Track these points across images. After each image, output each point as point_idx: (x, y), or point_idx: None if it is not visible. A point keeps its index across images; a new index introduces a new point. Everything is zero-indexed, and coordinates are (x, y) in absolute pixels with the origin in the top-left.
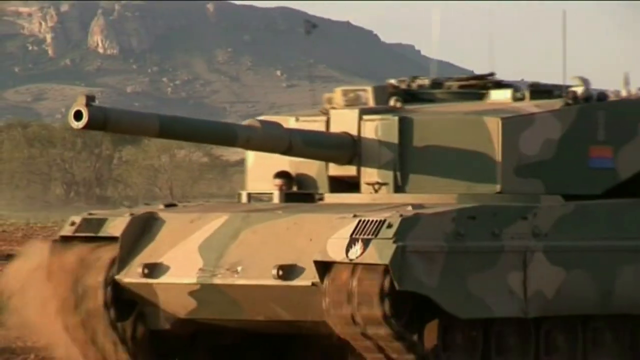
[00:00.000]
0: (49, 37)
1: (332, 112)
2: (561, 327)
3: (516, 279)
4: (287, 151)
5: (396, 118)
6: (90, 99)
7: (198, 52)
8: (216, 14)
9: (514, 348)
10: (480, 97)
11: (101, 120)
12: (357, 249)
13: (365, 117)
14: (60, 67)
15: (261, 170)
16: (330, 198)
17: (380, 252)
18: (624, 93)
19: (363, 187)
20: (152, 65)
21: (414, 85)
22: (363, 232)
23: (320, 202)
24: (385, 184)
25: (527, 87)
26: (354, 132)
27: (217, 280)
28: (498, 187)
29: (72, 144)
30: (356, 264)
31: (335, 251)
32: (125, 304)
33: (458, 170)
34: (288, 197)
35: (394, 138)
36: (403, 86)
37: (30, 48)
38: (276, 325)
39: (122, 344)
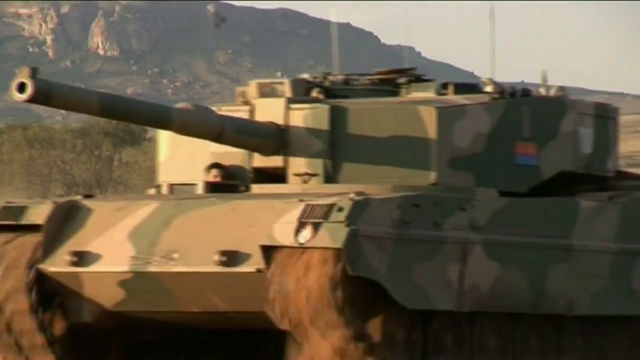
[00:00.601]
0: (49, 38)
1: (257, 102)
2: (493, 328)
3: (454, 271)
4: (218, 137)
5: (327, 106)
6: (34, 71)
7: (198, 53)
8: (216, 15)
9: (450, 349)
10: (395, 93)
11: (45, 93)
12: (306, 232)
13: (293, 106)
14: (61, 69)
15: (177, 161)
16: (258, 189)
17: (332, 236)
18: (542, 91)
19: (290, 178)
20: (152, 66)
21: (326, 82)
22: (311, 216)
23: (248, 193)
24: (315, 174)
25: (452, 83)
26: (280, 121)
27: (151, 268)
28: (432, 179)
29: (73, 145)
30: (306, 248)
31: (283, 235)
32: (48, 294)
33: (392, 161)
34: (213, 188)
35: (325, 127)
36: (316, 81)
37: (30, 50)
38: (209, 318)
39: (42, 336)
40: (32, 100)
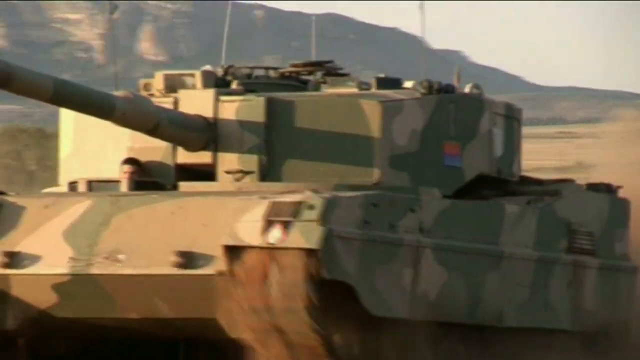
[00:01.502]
0: (97, 43)
1: (182, 93)
2: (431, 337)
3: (408, 276)
4: (154, 130)
5: (262, 99)
6: None
7: (247, 58)
8: (265, 20)
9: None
10: (303, 88)
11: (6, 76)
12: (276, 232)
13: (223, 97)
14: (109, 74)
15: (83, 158)
16: (186, 187)
17: (306, 236)
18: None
19: (221, 175)
20: None
21: (229, 73)
22: (279, 214)
23: (176, 191)
24: (250, 172)
25: (375, 78)
26: (208, 114)
27: (94, 270)
28: (375, 178)
29: None
30: (277, 249)
31: (249, 235)
32: None
33: (332, 158)
34: (137, 185)
35: (260, 120)
36: (218, 74)
37: (78, 55)
38: (148, 325)
39: None
40: None
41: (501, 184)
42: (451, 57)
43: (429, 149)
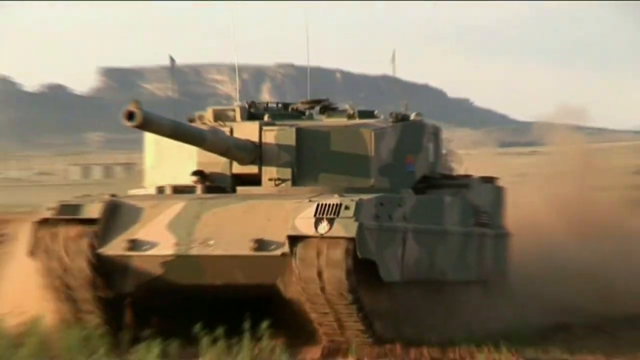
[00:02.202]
0: (235, 95)
1: (236, 124)
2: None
3: (399, 252)
4: (225, 152)
5: (294, 128)
6: (139, 103)
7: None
8: (342, 79)
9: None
10: (300, 117)
11: (147, 121)
12: (324, 225)
13: (265, 127)
14: None
15: (163, 168)
16: (242, 190)
17: (346, 228)
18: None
19: (265, 182)
20: None
21: (252, 107)
22: (325, 213)
23: (235, 194)
24: (285, 179)
25: (357, 110)
26: (255, 139)
27: (193, 252)
28: (371, 183)
29: None
30: (325, 238)
31: (305, 227)
32: (100, 270)
33: (341, 170)
34: (208, 189)
35: (292, 143)
36: (251, 108)
37: (222, 102)
38: (227, 288)
39: (97, 304)
40: (139, 125)
41: (431, 180)
42: (463, 103)
43: (399, 161)
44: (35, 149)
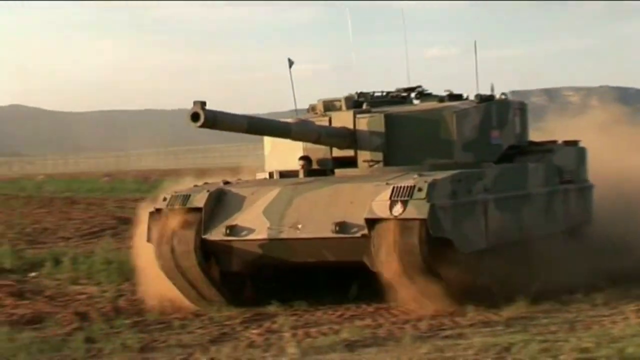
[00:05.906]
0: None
1: (333, 114)
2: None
3: (482, 221)
4: (317, 140)
5: (382, 115)
6: (203, 104)
7: None
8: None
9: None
10: (403, 103)
11: (212, 120)
12: (398, 207)
13: (358, 115)
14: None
15: (278, 155)
16: (340, 172)
17: (418, 209)
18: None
19: (360, 163)
20: None
21: (361, 97)
22: (399, 195)
23: (334, 176)
24: (378, 161)
25: (448, 94)
26: (350, 126)
27: (283, 235)
28: (455, 159)
29: None
30: (399, 219)
31: (380, 210)
32: (207, 253)
33: (427, 149)
34: (309, 172)
35: (382, 129)
36: (357, 97)
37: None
38: (319, 264)
39: (208, 281)
40: (203, 125)
41: (519, 148)
42: None
43: (483, 136)
44: None
